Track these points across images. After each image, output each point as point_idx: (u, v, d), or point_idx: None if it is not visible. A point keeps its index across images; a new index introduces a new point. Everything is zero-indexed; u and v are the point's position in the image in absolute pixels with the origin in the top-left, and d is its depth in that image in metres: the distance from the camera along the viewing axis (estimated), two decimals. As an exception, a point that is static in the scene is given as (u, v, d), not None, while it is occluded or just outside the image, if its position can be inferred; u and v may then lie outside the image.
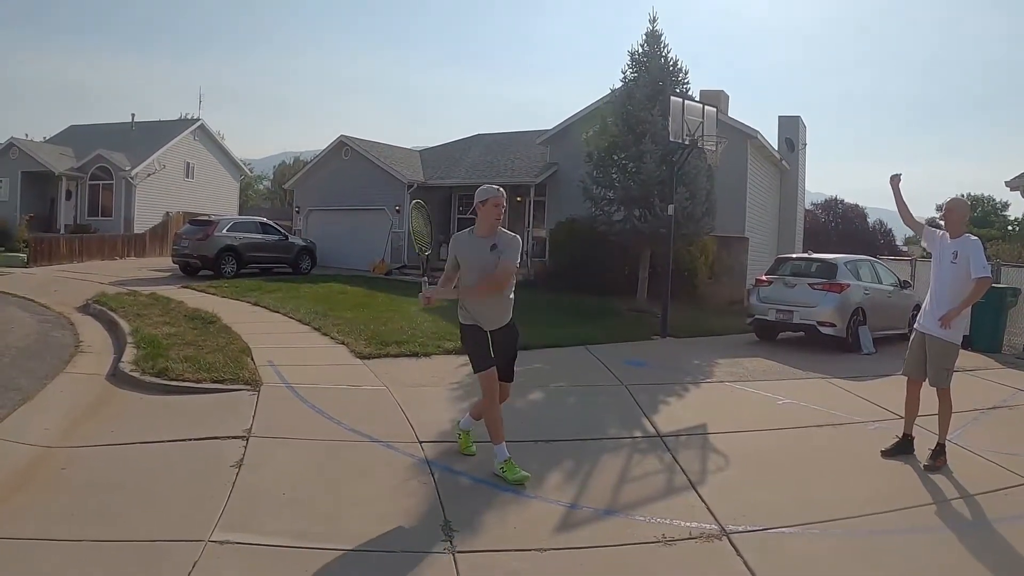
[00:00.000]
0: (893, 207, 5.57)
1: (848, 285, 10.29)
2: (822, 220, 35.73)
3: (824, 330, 10.07)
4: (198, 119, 31.14)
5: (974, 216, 38.44)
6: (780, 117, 22.07)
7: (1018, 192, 10.48)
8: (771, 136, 20.41)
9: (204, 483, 4.10)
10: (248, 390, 6.24)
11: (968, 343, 10.97)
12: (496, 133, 25.02)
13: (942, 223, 5.44)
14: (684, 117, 10.36)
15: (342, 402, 5.93)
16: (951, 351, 5.06)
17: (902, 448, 5.26)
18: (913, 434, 5.31)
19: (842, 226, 35.00)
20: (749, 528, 3.81)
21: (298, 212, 24.75)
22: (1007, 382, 8.39)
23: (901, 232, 35.45)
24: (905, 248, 33.17)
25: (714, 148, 10.85)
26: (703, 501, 4.23)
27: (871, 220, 36.17)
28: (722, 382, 7.78)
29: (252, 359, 7.32)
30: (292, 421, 5.42)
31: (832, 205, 37.36)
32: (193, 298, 12.41)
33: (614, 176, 13.34)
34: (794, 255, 11.96)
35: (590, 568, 3.38)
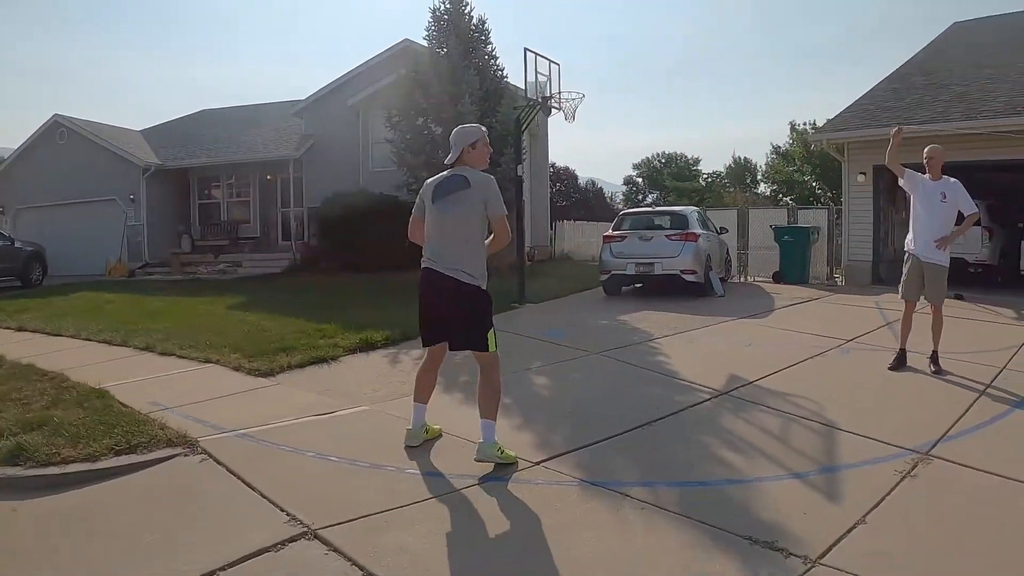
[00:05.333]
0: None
1: (700, 234, 11.03)
2: (537, 183, 38.31)
3: (688, 278, 10.70)
4: None
5: (672, 171, 44.86)
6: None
7: (822, 142, 12.18)
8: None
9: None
10: (185, 452, 4.37)
11: (781, 277, 12.68)
12: (229, 107, 22.30)
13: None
14: (538, 73, 9.88)
15: (357, 440, 4.55)
16: (944, 273, 5.98)
17: (901, 361, 6.07)
18: (908, 348, 6.11)
19: (556, 186, 37.91)
20: (937, 454, 4.12)
21: (2, 213, 19.06)
22: (858, 303, 9.66)
23: (609, 189, 39.94)
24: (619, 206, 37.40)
25: (559, 107, 10.56)
26: (868, 438, 4.38)
27: (582, 181, 39.88)
28: (668, 336, 7.90)
29: (127, 406, 5.18)
30: (338, 489, 3.79)
31: (545, 169, 40.31)
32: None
33: (430, 140, 12.37)
34: (637, 209, 12.69)
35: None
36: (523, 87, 10.52)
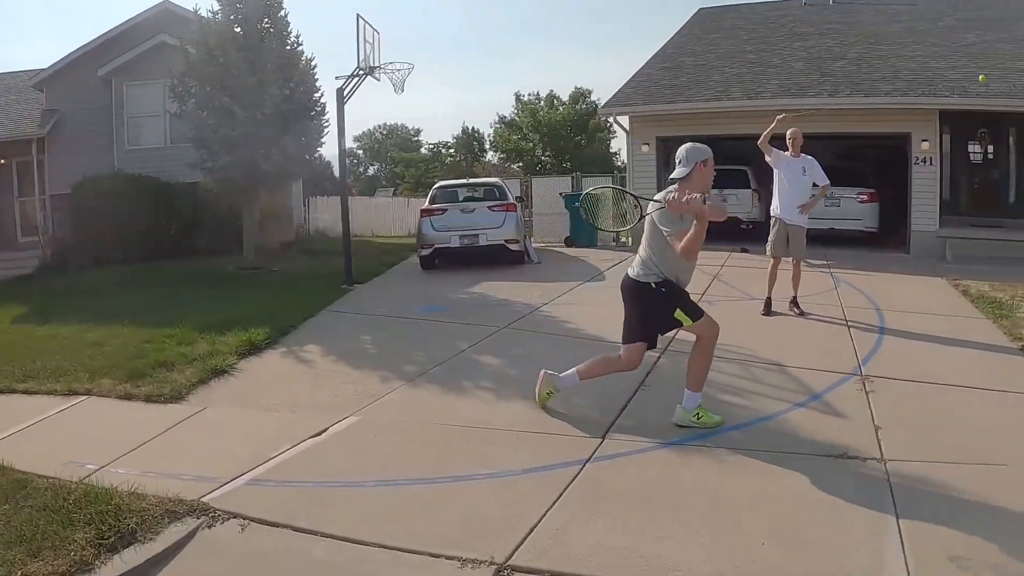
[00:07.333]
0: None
1: (516, 204, 11.43)
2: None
3: (512, 247, 11.31)
4: None
5: (394, 142, 44.71)
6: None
7: (611, 116, 13.32)
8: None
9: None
10: (207, 523, 3.46)
11: (572, 241, 13.70)
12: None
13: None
14: (365, 41, 9.37)
15: (401, 456, 4.28)
16: (804, 232, 7.38)
17: (768, 307, 7.43)
18: (773, 296, 7.44)
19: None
20: (869, 373, 5.33)
21: None
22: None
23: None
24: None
25: (378, 79, 10.12)
26: (813, 369, 5.42)
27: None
28: (549, 304, 8.28)
29: (46, 476, 3.98)
30: (462, 513, 3.46)
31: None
32: None
33: (229, 115, 10.92)
34: (450, 182, 12.60)
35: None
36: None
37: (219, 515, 3.51)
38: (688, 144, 4.27)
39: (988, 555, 2.87)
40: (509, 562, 2.98)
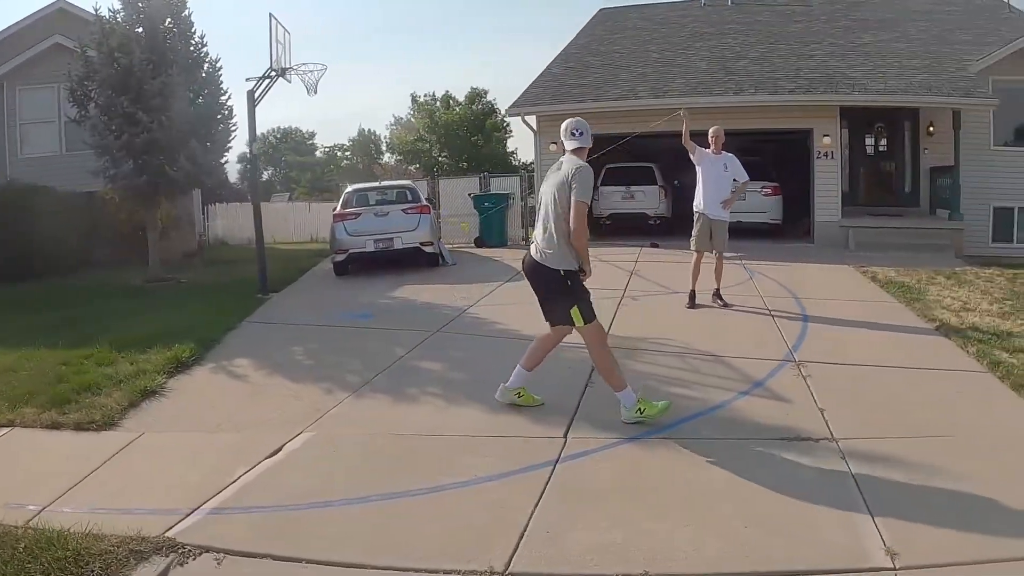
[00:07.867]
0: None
1: (429, 206, 11.36)
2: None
3: (426, 249, 11.18)
4: None
5: (289, 146, 43.09)
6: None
7: (519, 118, 13.36)
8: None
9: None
10: (178, 560, 3.22)
11: (483, 242, 13.61)
12: None
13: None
14: (277, 42, 9.03)
15: (363, 471, 4.29)
16: (727, 227, 7.65)
17: (692, 299, 7.66)
18: (696, 289, 7.67)
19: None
20: (801, 359, 5.66)
21: None
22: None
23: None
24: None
25: (289, 80, 9.77)
26: (750, 358, 5.69)
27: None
28: (475, 306, 8.21)
29: None
30: (441, 524, 3.42)
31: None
32: None
33: (131, 119, 10.25)
34: (363, 185, 12.34)
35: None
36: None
37: (189, 550, 3.27)
38: (575, 119, 4.44)
39: (953, 517, 3.12)
40: (510, 570, 2.97)
